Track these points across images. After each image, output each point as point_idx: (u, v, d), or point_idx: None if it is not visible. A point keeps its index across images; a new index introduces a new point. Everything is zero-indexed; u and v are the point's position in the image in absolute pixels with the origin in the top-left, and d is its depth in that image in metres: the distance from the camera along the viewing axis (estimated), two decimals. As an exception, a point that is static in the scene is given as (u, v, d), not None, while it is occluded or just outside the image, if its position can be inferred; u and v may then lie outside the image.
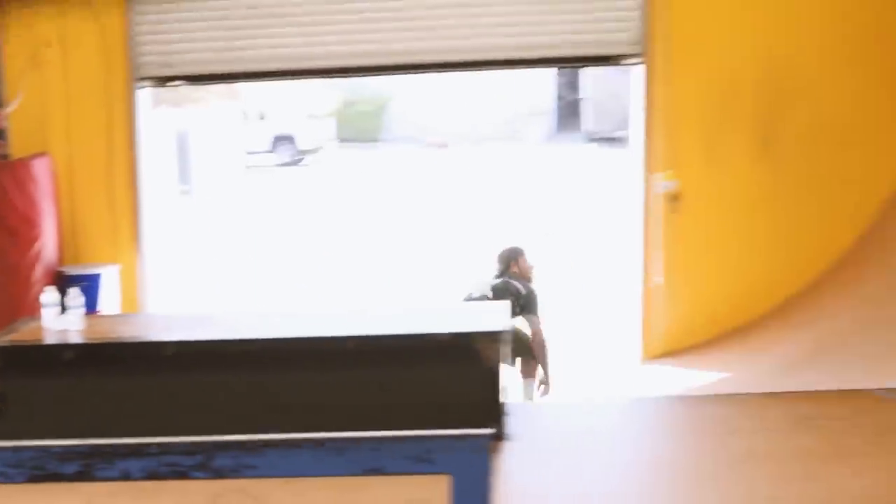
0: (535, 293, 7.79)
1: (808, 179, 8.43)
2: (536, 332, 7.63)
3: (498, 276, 7.90)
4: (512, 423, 4.87)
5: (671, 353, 8.54)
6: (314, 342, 5.00)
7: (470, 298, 7.69)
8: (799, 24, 8.34)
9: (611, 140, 22.88)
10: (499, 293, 7.55)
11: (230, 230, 16.65)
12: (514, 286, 7.73)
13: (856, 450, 4.67)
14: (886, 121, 8.31)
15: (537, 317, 7.70)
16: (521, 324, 7.66)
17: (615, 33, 8.55)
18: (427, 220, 16.89)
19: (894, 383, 5.66)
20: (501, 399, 4.82)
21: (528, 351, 7.61)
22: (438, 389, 4.73)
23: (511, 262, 8.00)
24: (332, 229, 16.51)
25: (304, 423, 3.73)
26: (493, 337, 4.81)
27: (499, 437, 4.72)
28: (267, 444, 2.86)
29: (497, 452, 4.58)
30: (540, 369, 7.62)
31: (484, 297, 7.58)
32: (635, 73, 8.60)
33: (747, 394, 6.22)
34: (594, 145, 24.72)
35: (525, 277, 7.96)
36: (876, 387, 5.64)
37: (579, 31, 8.57)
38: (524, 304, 7.64)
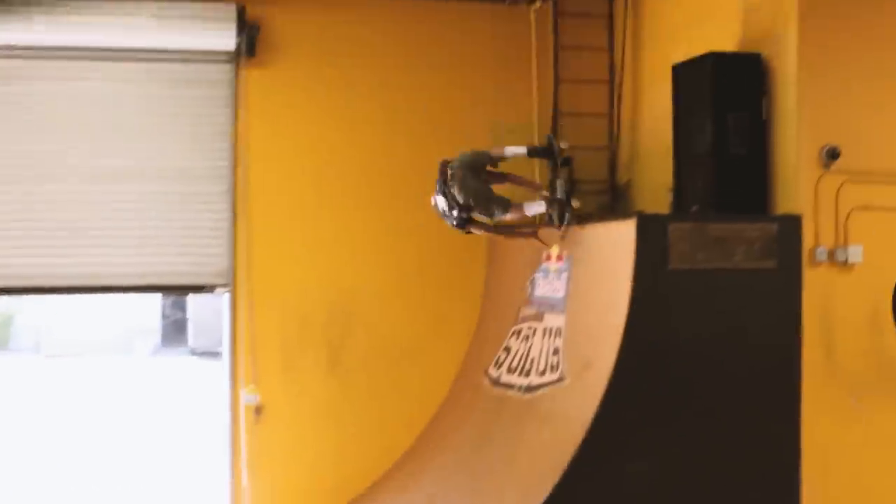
0: None
1: (370, 391, 9.34)
2: None
3: None
4: None
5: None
6: None
7: None
8: (362, 264, 9.40)
9: (212, 354, 23.44)
10: None
11: None
12: None
13: None
14: (434, 343, 9.44)
15: None
16: None
17: (206, 266, 9.29)
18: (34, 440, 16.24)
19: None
20: None
21: None
22: None
23: None
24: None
25: None
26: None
27: None
28: None
29: None
30: None
31: None
32: (225, 300, 9.35)
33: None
34: (196, 359, 25.29)
35: None
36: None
37: (177, 262, 9.24)
38: None
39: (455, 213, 7.62)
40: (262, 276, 9.26)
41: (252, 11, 9.11)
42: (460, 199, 7.54)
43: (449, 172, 7.61)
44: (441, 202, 7.67)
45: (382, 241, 9.46)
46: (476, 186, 7.56)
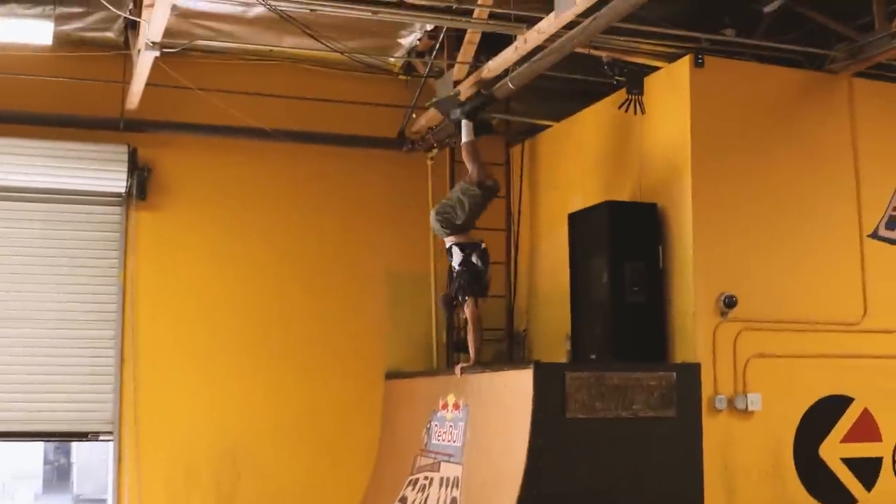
0: None
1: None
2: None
3: None
4: None
5: None
6: None
7: None
8: (254, 409, 9.17)
9: (98, 502, 22.30)
10: None
11: None
12: None
13: None
14: (328, 490, 9.18)
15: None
16: None
17: (91, 412, 8.87)
18: None
19: None
20: None
21: None
22: None
23: None
24: None
25: None
26: None
27: None
28: None
29: None
30: None
31: None
32: (110, 447, 8.90)
33: None
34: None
35: None
36: None
37: (61, 409, 8.83)
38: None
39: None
40: (149, 422, 8.93)
41: (143, 154, 9.01)
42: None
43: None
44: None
45: (275, 387, 9.28)
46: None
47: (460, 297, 7.93)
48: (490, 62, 7.95)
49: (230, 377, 9.18)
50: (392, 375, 9.48)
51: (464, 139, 8.25)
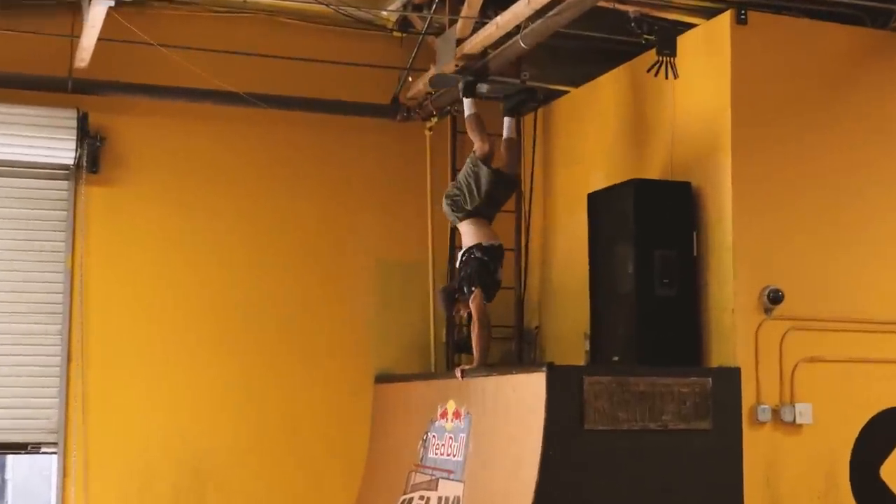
0: None
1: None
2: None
3: None
4: None
5: None
6: None
7: None
8: (221, 418, 9.18)
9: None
10: None
11: None
12: None
13: None
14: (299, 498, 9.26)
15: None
16: None
17: (31, 420, 8.86)
18: None
19: None
20: None
21: None
22: None
23: None
24: None
25: None
26: None
27: None
28: None
29: None
30: None
31: None
32: (53, 460, 8.88)
33: None
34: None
35: None
36: None
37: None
38: None
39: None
40: (100, 431, 8.91)
41: (95, 119, 8.94)
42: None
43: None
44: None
45: (247, 391, 9.30)
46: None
47: (465, 289, 7.91)
48: (498, 17, 7.89)
49: (195, 380, 9.19)
50: (383, 379, 9.51)
51: (466, 112, 8.33)
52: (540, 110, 9.78)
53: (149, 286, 9.15)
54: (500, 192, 8.19)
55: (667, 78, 7.60)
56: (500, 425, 7.43)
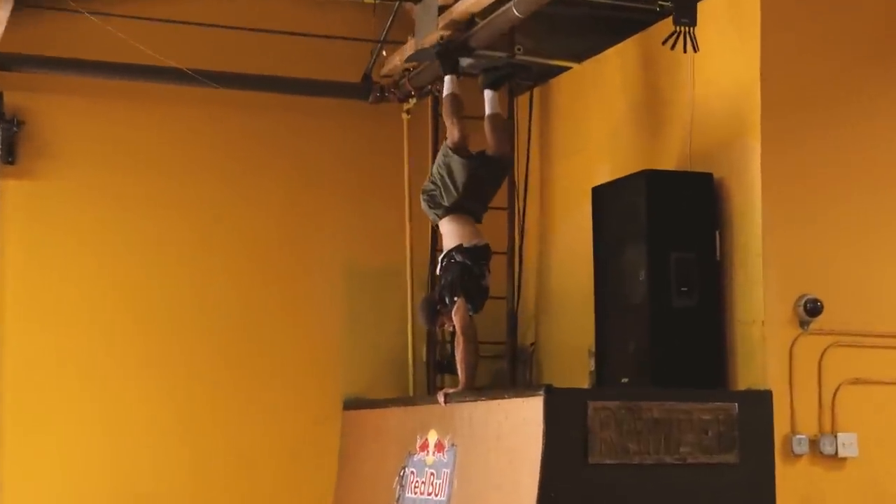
0: None
1: None
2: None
3: None
4: None
5: None
6: None
7: None
8: (165, 451, 9.22)
9: None
10: None
11: None
12: None
13: None
14: None
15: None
16: None
17: None
18: None
19: None
20: None
21: None
22: None
23: None
24: None
25: None
26: None
27: None
28: None
29: None
30: None
31: None
32: None
33: None
34: None
35: None
36: None
37: None
38: None
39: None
40: (17, 465, 8.96)
41: (12, 100, 9.03)
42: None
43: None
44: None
45: (195, 418, 9.35)
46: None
47: (447, 299, 7.86)
48: (488, -20, 7.92)
49: (133, 405, 9.23)
50: (353, 404, 9.55)
51: (445, 91, 8.30)
52: (536, 90, 9.76)
53: (73, 294, 9.17)
54: (485, 181, 8.12)
55: (685, 51, 7.44)
56: (489, 459, 7.39)
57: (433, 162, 9.08)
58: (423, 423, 8.17)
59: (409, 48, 8.79)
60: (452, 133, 8.09)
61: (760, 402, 7.16)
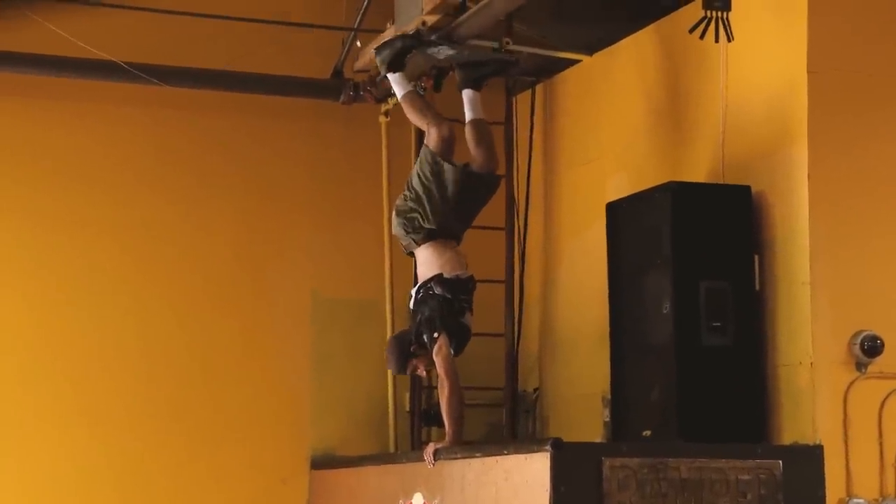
0: None
1: None
2: None
3: None
4: None
5: None
6: None
7: None
8: None
9: None
10: None
11: None
12: None
13: None
14: None
15: None
16: None
17: None
18: None
19: None
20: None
21: None
22: None
23: None
24: None
25: None
26: None
27: None
28: None
29: None
30: None
31: None
32: None
33: None
34: None
35: None
36: None
37: None
38: None
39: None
40: None
41: None
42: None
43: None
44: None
45: (133, 479, 9.34)
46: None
47: (425, 337, 7.80)
48: (480, -42, 7.99)
49: (59, 464, 9.22)
50: (322, 463, 9.63)
51: (398, 93, 8.26)
52: (538, 87, 9.80)
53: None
54: (473, 199, 8.06)
55: (717, 41, 7.49)
56: (486, 528, 7.41)
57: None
58: (407, 485, 8.14)
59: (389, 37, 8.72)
60: (437, 132, 7.95)
61: (809, 459, 7.12)
